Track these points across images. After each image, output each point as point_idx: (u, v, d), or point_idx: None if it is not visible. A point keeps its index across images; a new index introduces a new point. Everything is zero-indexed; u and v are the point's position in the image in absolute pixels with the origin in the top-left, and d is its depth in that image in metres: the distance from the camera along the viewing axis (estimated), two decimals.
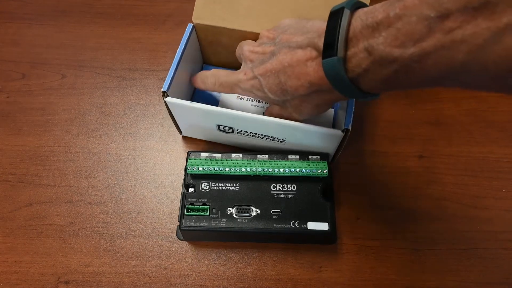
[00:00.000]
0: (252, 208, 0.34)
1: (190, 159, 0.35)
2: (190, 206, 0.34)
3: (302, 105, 0.30)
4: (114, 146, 0.42)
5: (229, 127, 0.36)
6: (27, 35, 0.50)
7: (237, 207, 0.34)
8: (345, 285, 0.35)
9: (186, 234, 0.36)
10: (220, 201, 0.35)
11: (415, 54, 0.20)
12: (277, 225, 0.33)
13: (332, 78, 0.25)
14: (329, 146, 0.35)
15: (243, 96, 0.39)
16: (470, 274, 0.35)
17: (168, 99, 0.34)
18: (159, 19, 0.51)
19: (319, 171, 0.34)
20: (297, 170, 0.34)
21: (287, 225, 0.33)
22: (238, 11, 0.36)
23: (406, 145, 0.42)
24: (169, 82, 0.34)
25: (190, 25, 0.38)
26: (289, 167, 0.35)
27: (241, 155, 0.36)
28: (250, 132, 0.36)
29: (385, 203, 0.39)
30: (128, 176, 0.40)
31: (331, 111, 0.40)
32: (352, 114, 0.33)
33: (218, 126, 0.37)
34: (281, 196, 0.35)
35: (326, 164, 0.35)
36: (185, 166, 0.35)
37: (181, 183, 0.38)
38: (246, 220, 0.34)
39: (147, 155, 0.42)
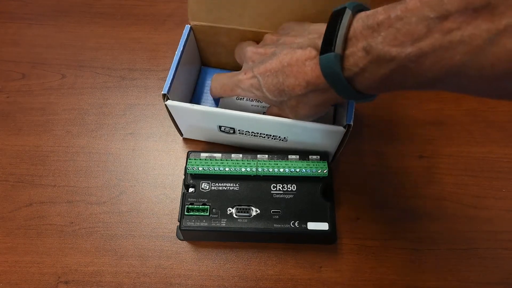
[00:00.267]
0: (252, 208, 0.34)
1: (190, 159, 0.35)
2: (190, 206, 0.34)
3: (298, 106, 0.30)
4: (114, 146, 0.42)
5: (231, 128, 0.36)
6: (27, 35, 0.50)
7: (237, 207, 0.34)
8: (345, 285, 0.35)
9: (186, 234, 0.36)
10: (220, 201, 0.35)
11: (412, 54, 0.20)
12: (277, 225, 0.33)
13: (328, 76, 0.25)
14: (331, 143, 0.35)
15: (242, 97, 0.39)
16: (470, 274, 0.35)
17: (168, 102, 0.34)
18: (159, 19, 0.51)
19: (319, 171, 0.34)
20: (297, 170, 0.34)
21: (287, 225, 0.33)
22: (235, 9, 0.36)
23: (406, 145, 0.42)
24: (169, 85, 0.34)
25: (187, 27, 0.38)
26: (289, 167, 0.35)
27: (241, 155, 0.36)
28: (251, 132, 0.36)
29: (385, 203, 0.39)
30: (128, 176, 0.40)
31: (331, 108, 0.40)
32: (353, 110, 0.33)
33: (220, 127, 0.37)
34: (281, 196, 0.35)
35: (326, 164, 0.35)
36: (185, 166, 0.35)
37: (181, 183, 0.38)
38: (246, 220, 0.34)
39: (147, 155, 0.42)
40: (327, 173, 0.35)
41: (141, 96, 0.45)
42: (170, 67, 0.35)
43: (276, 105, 0.32)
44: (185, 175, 0.36)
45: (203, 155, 0.36)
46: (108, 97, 0.45)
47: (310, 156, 0.36)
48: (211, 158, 0.36)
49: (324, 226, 0.33)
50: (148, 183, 0.40)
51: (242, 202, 0.35)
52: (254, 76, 0.31)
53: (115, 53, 0.49)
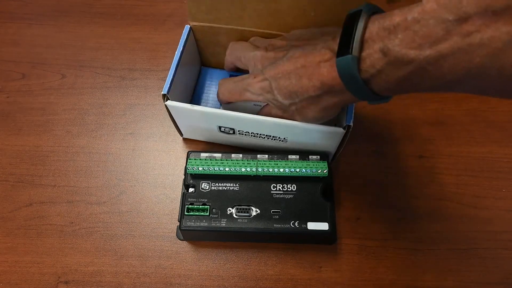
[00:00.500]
0: (252, 208, 0.34)
1: (190, 159, 0.35)
2: (190, 206, 0.34)
3: (309, 107, 0.30)
4: (114, 146, 0.42)
5: (230, 128, 0.36)
6: (27, 35, 0.50)
7: (237, 207, 0.34)
8: (345, 285, 0.35)
9: (186, 234, 0.36)
10: (220, 201, 0.35)
11: (431, 56, 0.20)
12: (277, 225, 0.33)
13: (345, 78, 0.25)
14: (330, 144, 0.35)
15: (251, 101, 0.38)
16: (470, 274, 0.35)
17: (168, 102, 0.34)
18: (159, 19, 0.51)
19: (319, 171, 0.34)
20: (297, 170, 0.34)
21: (287, 225, 0.33)
22: (234, 9, 0.36)
23: (406, 145, 0.42)
24: (169, 85, 0.34)
25: (187, 27, 0.38)
26: (289, 167, 0.35)
27: (241, 155, 0.36)
28: (251, 133, 0.36)
29: (385, 203, 0.39)
30: (128, 176, 0.40)
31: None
32: (353, 111, 0.33)
33: (219, 127, 0.37)
34: (281, 196, 0.35)
35: (326, 164, 0.35)
36: (185, 166, 0.35)
37: (181, 183, 0.38)
38: (246, 220, 0.34)
39: (147, 155, 0.42)
40: (327, 173, 0.35)
41: (141, 96, 0.45)
42: (170, 67, 0.35)
43: (283, 108, 0.32)
44: (185, 175, 0.36)
45: (203, 155, 0.36)
46: (108, 97, 0.45)
47: (310, 156, 0.36)
48: (211, 158, 0.36)
49: (324, 226, 0.33)
50: (148, 183, 0.40)
51: (242, 202, 0.35)
52: (265, 79, 0.31)
53: (115, 53, 0.49)
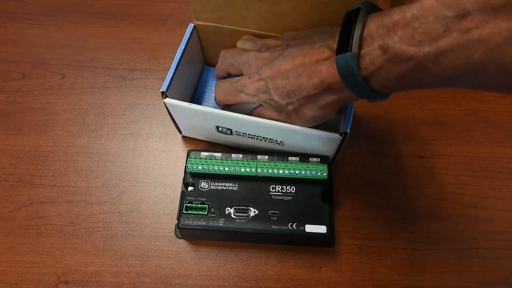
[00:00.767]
0: (251, 208, 0.34)
1: (190, 158, 0.36)
2: (188, 204, 0.34)
3: (306, 106, 0.29)
4: (114, 146, 0.42)
5: (228, 129, 0.36)
6: (27, 35, 0.50)
7: (236, 207, 0.34)
8: (345, 285, 0.35)
9: (184, 232, 0.36)
10: (218, 200, 0.35)
11: (430, 53, 0.21)
12: (274, 227, 0.33)
13: (344, 75, 0.25)
14: (327, 149, 0.35)
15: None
16: (470, 274, 0.35)
17: (167, 100, 0.34)
18: (159, 19, 0.51)
19: (318, 174, 0.34)
20: (297, 172, 0.34)
21: (284, 227, 0.33)
22: (239, 10, 0.36)
23: (406, 145, 0.42)
24: (168, 83, 0.34)
25: (191, 25, 0.38)
26: (289, 168, 0.34)
27: (241, 155, 0.36)
28: (248, 134, 0.36)
29: (385, 203, 0.39)
30: (128, 176, 0.41)
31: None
32: (351, 117, 0.33)
33: (217, 127, 0.37)
34: (280, 197, 0.35)
35: (326, 166, 0.35)
36: (185, 165, 0.35)
37: (181, 183, 0.38)
38: (244, 221, 0.34)
39: (147, 155, 0.42)
40: (326, 176, 0.34)
41: (141, 96, 0.45)
42: (169, 67, 0.35)
43: (279, 109, 0.31)
44: (184, 173, 0.36)
45: (203, 154, 0.36)
46: (108, 97, 0.45)
47: (310, 159, 0.36)
48: (211, 158, 0.36)
49: (322, 229, 0.33)
50: (148, 183, 0.40)
51: (240, 202, 0.35)
52: (260, 79, 0.30)
53: (115, 53, 0.49)
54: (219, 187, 0.35)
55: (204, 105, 0.35)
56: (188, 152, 0.36)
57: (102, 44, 0.49)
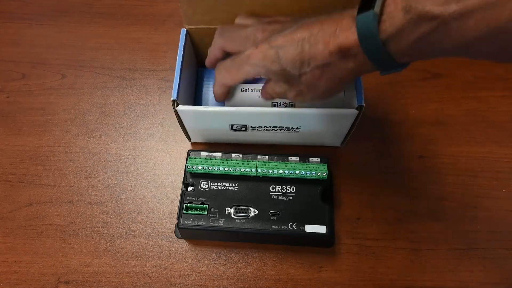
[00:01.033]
0: (251, 208, 0.34)
1: (190, 158, 0.36)
2: (188, 204, 0.34)
3: (321, 77, 0.28)
4: (114, 146, 0.42)
5: (243, 125, 0.36)
6: (27, 35, 0.50)
7: (236, 207, 0.34)
8: (345, 285, 0.35)
9: (184, 232, 0.36)
10: (218, 200, 0.35)
11: (457, 12, 0.20)
12: (274, 227, 0.33)
13: (363, 38, 0.24)
14: (342, 128, 0.36)
15: (247, 88, 0.37)
16: (470, 274, 0.35)
17: (180, 107, 0.34)
18: (159, 19, 0.51)
19: (318, 174, 0.34)
20: (297, 172, 0.34)
21: (284, 227, 0.33)
22: (230, 8, 0.35)
23: (406, 145, 0.42)
24: (177, 90, 0.34)
25: (183, 30, 0.38)
26: (289, 168, 0.34)
27: (241, 155, 0.36)
28: (264, 127, 0.36)
29: (385, 203, 0.39)
30: (128, 176, 0.41)
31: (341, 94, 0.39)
32: (362, 92, 0.33)
33: (231, 126, 0.37)
34: (280, 197, 0.35)
35: (326, 167, 0.35)
36: (185, 165, 0.35)
37: (181, 183, 0.38)
38: (244, 221, 0.34)
39: (147, 155, 0.42)
40: (326, 176, 0.34)
41: (141, 96, 0.45)
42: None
43: (290, 81, 0.29)
44: (184, 173, 0.36)
45: (203, 154, 0.36)
46: (108, 97, 0.45)
47: (310, 159, 0.36)
48: (211, 158, 0.36)
49: (322, 229, 0.33)
50: (148, 183, 0.40)
51: (240, 202, 0.35)
52: (270, 48, 0.28)
53: (115, 53, 0.49)
54: (219, 187, 0.35)
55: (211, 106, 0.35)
56: (188, 152, 0.36)
57: (102, 44, 0.49)
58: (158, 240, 0.37)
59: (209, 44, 0.39)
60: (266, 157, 0.36)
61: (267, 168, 0.35)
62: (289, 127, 0.36)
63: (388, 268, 0.36)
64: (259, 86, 0.35)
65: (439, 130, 0.42)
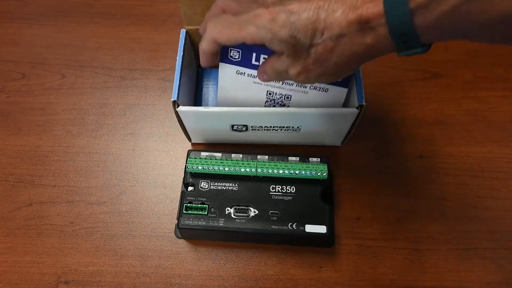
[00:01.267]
0: (251, 208, 0.34)
1: (190, 158, 0.36)
2: (188, 204, 0.34)
3: (333, 50, 0.25)
4: (114, 146, 0.42)
5: (244, 125, 0.36)
6: (27, 35, 0.50)
7: (236, 207, 0.34)
8: (345, 285, 0.35)
9: (184, 232, 0.36)
10: (218, 200, 0.35)
11: None
12: (274, 227, 0.33)
13: (390, 3, 0.23)
14: (343, 127, 0.36)
15: (243, 72, 0.35)
16: (470, 274, 0.35)
17: (180, 108, 0.34)
18: (159, 19, 0.51)
19: (318, 174, 0.34)
20: (297, 172, 0.34)
21: (284, 227, 0.33)
22: None
23: (406, 145, 0.42)
24: (177, 91, 0.34)
25: (183, 31, 0.38)
26: (289, 169, 0.34)
27: (241, 155, 0.36)
28: (264, 127, 0.36)
29: (385, 203, 0.39)
30: (128, 176, 0.41)
31: (343, 93, 0.38)
32: (362, 91, 0.33)
33: (232, 126, 0.37)
34: (280, 197, 0.35)
35: (326, 167, 0.35)
36: (185, 165, 0.35)
37: (181, 183, 0.38)
38: (244, 221, 0.34)
39: (147, 155, 0.42)
40: (326, 176, 0.34)
41: (141, 96, 0.45)
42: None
43: (299, 53, 0.27)
44: (184, 173, 0.36)
45: (203, 154, 0.36)
46: (108, 97, 0.45)
47: (310, 159, 0.36)
48: (211, 158, 0.36)
49: (322, 229, 0.33)
50: (148, 183, 0.40)
51: (240, 202, 0.35)
52: (282, 11, 0.25)
53: (115, 53, 0.49)
54: (219, 187, 0.35)
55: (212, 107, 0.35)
56: (188, 152, 0.36)
57: (102, 44, 0.49)
58: (158, 240, 0.37)
59: None
60: (266, 157, 0.36)
61: (267, 168, 0.35)
62: (290, 127, 0.36)
63: (388, 268, 0.36)
64: (256, 72, 0.33)
65: (439, 130, 0.42)
